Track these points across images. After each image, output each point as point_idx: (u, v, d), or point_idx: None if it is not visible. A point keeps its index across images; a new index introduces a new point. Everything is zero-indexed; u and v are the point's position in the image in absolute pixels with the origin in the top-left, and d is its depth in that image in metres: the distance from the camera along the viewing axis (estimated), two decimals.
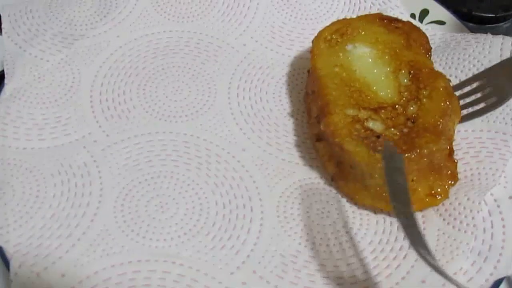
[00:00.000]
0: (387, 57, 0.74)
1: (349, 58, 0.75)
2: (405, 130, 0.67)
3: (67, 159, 0.71)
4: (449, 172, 0.67)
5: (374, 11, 0.90)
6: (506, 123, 0.71)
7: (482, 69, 0.76)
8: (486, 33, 0.80)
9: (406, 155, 0.63)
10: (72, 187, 0.68)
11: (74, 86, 0.80)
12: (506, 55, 0.75)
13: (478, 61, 0.77)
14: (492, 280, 0.59)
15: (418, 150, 0.64)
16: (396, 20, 0.78)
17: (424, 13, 0.88)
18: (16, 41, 0.81)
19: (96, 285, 0.59)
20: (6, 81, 0.77)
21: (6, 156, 0.69)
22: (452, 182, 0.67)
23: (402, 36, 0.76)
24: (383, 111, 0.69)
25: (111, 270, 0.61)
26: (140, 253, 0.63)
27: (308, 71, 0.80)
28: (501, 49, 0.76)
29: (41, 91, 0.78)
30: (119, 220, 0.66)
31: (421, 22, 0.88)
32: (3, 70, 0.78)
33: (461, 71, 0.78)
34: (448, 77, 0.78)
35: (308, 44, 0.86)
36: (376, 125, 0.68)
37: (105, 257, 0.62)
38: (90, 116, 0.77)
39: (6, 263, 0.60)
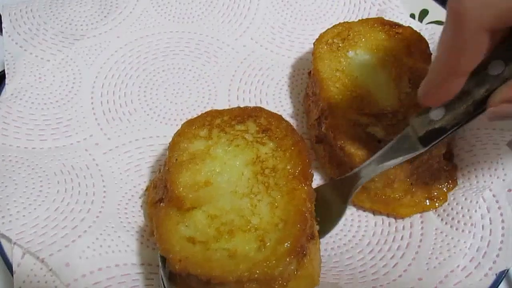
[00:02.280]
0: (387, 64, 0.75)
1: (351, 64, 0.75)
2: None
3: (69, 160, 0.71)
4: (448, 176, 0.68)
5: (374, 11, 0.90)
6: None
7: None
8: None
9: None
10: (75, 186, 0.68)
11: (75, 87, 0.80)
12: None
13: None
14: (491, 274, 0.60)
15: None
16: (397, 25, 0.78)
17: (424, 13, 0.89)
18: (16, 40, 0.81)
19: (99, 282, 0.59)
20: (7, 81, 0.77)
21: (7, 153, 0.70)
22: (451, 186, 0.68)
23: (402, 42, 0.76)
24: (383, 117, 0.70)
25: (115, 269, 0.61)
26: (145, 255, 0.64)
27: (309, 73, 0.80)
28: None
29: (42, 91, 0.78)
30: (123, 221, 0.67)
31: (421, 22, 0.88)
32: (3, 70, 0.78)
33: None
34: None
35: (308, 45, 0.87)
36: (376, 131, 0.69)
37: (111, 254, 0.62)
38: (91, 118, 0.77)
39: (7, 264, 0.60)
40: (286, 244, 0.55)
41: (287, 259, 0.54)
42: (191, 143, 0.65)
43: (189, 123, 0.67)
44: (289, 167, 0.62)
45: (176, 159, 0.63)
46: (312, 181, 0.62)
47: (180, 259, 0.54)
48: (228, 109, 0.69)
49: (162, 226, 0.58)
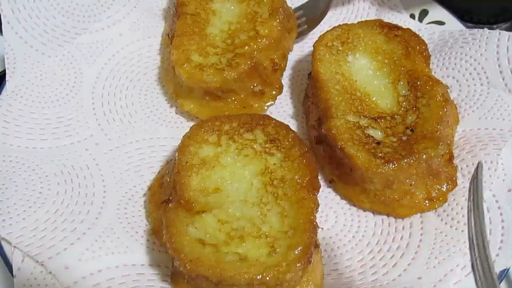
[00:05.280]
0: (386, 68, 0.75)
1: (350, 68, 0.76)
2: (404, 138, 0.68)
3: (70, 161, 0.71)
4: (448, 176, 0.68)
5: (373, 11, 0.90)
6: (503, 119, 0.72)
7: (479, 68, 0.77)
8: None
9: (405, 160, 0.64)
10: (75, 187, 0.68)
11: (76, 87, 0.79)
12: (503, 51, 0.75)
13: (475, 60, 0.77)
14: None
15: (416, 156, 0.65)
16: (396, 27, 0.78)
17: (424, 13, 0.89)
18: (16, 29, 0.79)
19: (99, 283, 0.59)
20: (7, 77, 0.76)
21: (8, 153, 0.70)
22: (451, 187, 0.68)
23: (401, 45, 0.76)
24: (382, 120, 0.70)
25: (115, 270, 0.61)
26: (145, 256, 0.64)
27: (309, 74, 0.80)
28: (497, 46, 0.76)
29: (43, 89, 0.77)
30: (123, 221, 0.67)
31: (421, 22, 0.88)
32: (4, 70, 0.78)
33: (459, 71, 0.78)
34: (446, 77, 0.79)
35: (307, 48, 0.87)
36: (376, 133, 0.69)
37: (110, 256, 0.62)
38: (92, 119, 0.77)
39: (7, 264, 0.60)
40: (297, 250, 0.57)
41: (298, 265, 0.56)
42: (200, 147, 0.67)
43: (198, 126, 0.68)
44: (297, 177, 0.64)
45: (187, 162, 0.65)
46: (319, 191, 0.64)
47: (191, 259, 0.56)
48: (236, 114, 0.71)
49: (172, 227, 0.59)
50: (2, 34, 0.82)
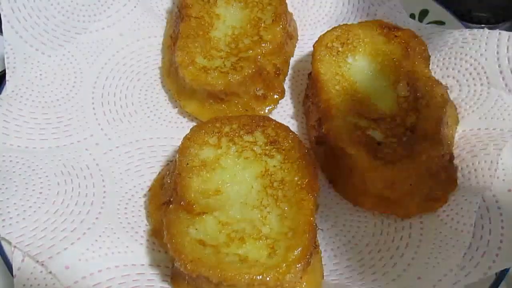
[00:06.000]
0: (386, 69, 0.75)
1: (350, 70, 0.76)
2: (404, 139, 0.68)
3: (70, 161, 0.71)
4: (449, 177, 0.69)
5: (373, 11, 0.90)
6: (503, 119, 0.72)
7: (479, 68, 0.77)
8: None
9: (405, 161, 0.64)
10: (75, 187, 0.68)
11: (76, 86, 0.79)
12: (503, 51, 0.75)
13: (475, 60, 0.77)
14: (490, 273, 0.60)
15: (416, 156, 0.65)
16: (396, 28, 0.78)
17: (424, 13, 0.89)
18: (17, 28, 0.78)
19: (99, 283, 0.59)
20: (7, 76, 0.76)
21: (8, 153, 0.70)
22: (451, 187, 0.68)
23: (401, 46, 0.76)
24: (382, 121, 0.70)
25: (116, 270, 0.61)
26: (145, 256, 0.64)
27: (309, 74, 0.80)
28: (497, 46, 0.76)
29: (43, 89, 0.77)
30: (123, 221, 0.67)
31: (421, 22, 0.88)
32: (4, 70, 0.78)
33: (459, 71, 0.78)
34: (445, 77, 0.79)
35: (307, 48, 0.87)
36: (376, 134, 0.69)
37: (110, 256, 0.62)
38: (92, 118, 0.77)
39: (7, 264, 0.60)
40: (296, 251, 0.57)
41: (297, 266, 0.56)
42: (201, 149, 0.67)
43: (198, 128, 0.69)
44: (297, 178, 0.64)
45: (187, 164, 0.65)
46: (318, 192, 0.64)
47: (191, 260, 0.56)
48: (236, 116, 0.71)
49: (172, 227, 0.59)
50: (2, 34, 0.82)
